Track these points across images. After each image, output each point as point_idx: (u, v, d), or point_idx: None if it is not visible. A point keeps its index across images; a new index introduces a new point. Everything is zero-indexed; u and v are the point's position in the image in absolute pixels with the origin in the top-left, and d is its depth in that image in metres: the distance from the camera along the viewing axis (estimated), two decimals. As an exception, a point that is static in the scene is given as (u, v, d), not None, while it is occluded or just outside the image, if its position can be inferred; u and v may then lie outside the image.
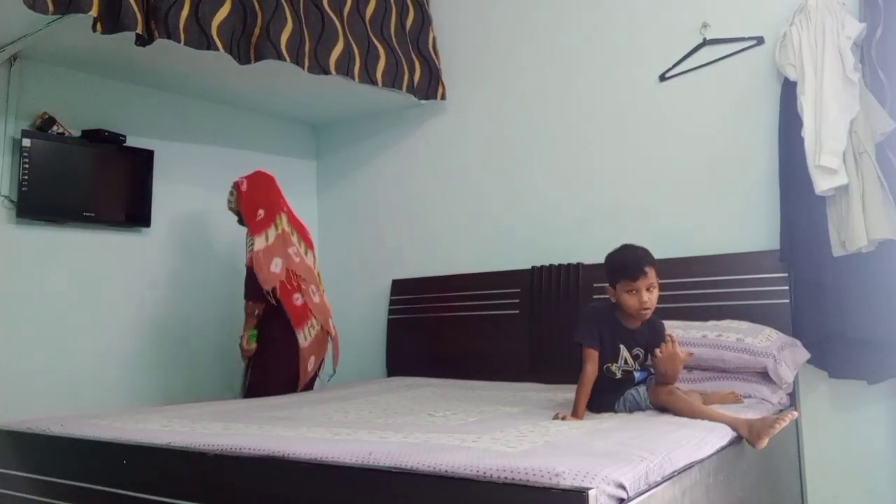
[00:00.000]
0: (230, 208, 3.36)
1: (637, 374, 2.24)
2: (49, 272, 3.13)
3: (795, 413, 2.06)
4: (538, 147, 3.63)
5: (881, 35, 2.68)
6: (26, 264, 3.06)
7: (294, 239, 3.29)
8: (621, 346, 2.21)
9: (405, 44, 3.76)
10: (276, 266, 3.15)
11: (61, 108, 3.18)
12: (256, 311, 3.18)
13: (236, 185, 3.31)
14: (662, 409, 2.13)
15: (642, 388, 2.21)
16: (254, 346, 3.19)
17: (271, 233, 3.22)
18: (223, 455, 1.66)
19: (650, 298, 2.16)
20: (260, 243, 3.17)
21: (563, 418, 2.06)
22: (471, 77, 3.89)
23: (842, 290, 2.66)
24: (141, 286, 3.46)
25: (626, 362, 2.22)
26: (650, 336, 2.23)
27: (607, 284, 2.24)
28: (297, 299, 3.18)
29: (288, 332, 3.16)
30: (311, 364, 3.22)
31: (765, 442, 1.94)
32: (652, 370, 2.26)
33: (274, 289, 3.12)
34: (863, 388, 2.72)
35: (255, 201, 3.26)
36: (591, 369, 2.16)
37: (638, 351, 2.23)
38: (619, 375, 2.22)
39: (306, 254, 3.32)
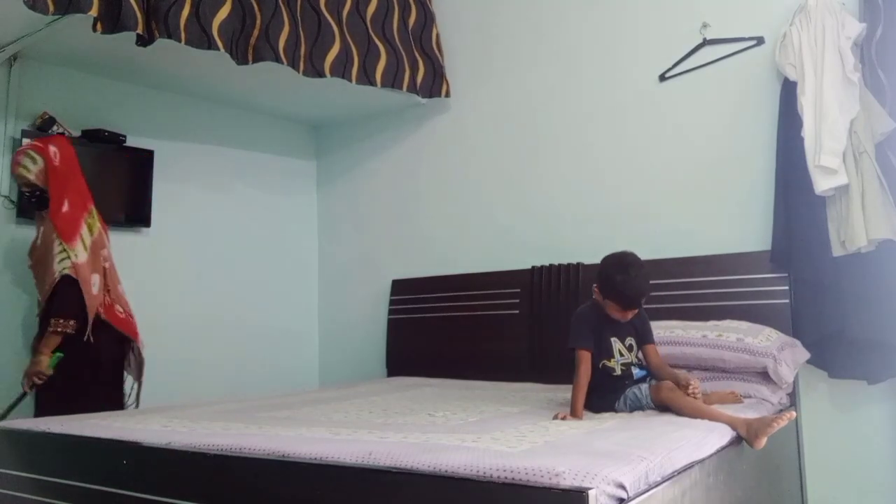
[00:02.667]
0: (24, 176, 2.71)
1: (636, 372, 2.25)
2: (49, 272, 3.12)
3: (794, 413, 2.06)
4: (537, 146, 3.63)
5: (881, 35, 2.68)
6: (26, 264, 3.06)
7: (105, 238, 2.86)
8: (613, 340, 2.24)
9: (408, 42, 3.75)
10: (95, 286, 2.71)
11: (61, 108, 3.18)
12: (68, 330, 2.62)
13: (42, 152, 2.71)
14: (664, 407, 2.13)
15: (644, 387, 2.21)
16: (51, 371, 2.61)
17: (87, 239, 2.74)
18: (223, 455, 1.66)
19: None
20: (81, 255, 2.68)
21: (563, 418, 2.06)
22: (470, 77, 3.89)
23: (841, 290, 2.66)
24: (141, 286, 3.45)
25: (621, 354, 2.24)
26: (638, 322, 2.29)
27: (595, 285, 2.25)
28: (120, 311, 2.82)
29: (114, 345, 2.79)
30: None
31: (763, 441, 1.95)
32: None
33: (98, 314, 2.69)
34: (863, 388, 2.72)
35: (65, 186, 2.72)
36: (584, 369, 2.18)
37: (630, 341, 2.26)
38: (618, 371, 2.23)
39: (108, 244, 2.88)
